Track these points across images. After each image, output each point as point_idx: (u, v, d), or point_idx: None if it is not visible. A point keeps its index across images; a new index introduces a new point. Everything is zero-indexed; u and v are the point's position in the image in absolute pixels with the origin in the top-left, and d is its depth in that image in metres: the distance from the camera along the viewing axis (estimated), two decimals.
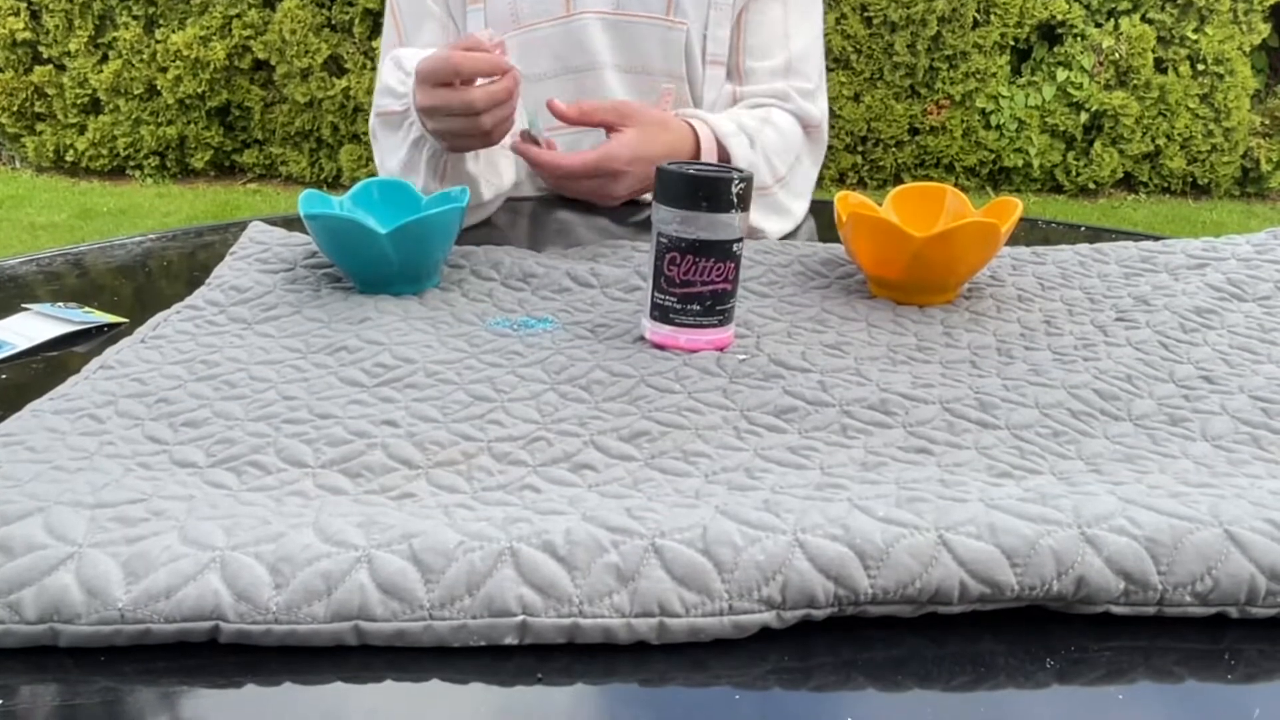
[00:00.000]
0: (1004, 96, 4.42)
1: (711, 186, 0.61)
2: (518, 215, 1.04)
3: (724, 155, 0.95)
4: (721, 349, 0.65)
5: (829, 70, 4.34)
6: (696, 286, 0.63)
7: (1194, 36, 4.32)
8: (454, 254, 0.81)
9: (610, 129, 0.92)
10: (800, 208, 1.03)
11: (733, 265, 0.63)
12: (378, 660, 0.39)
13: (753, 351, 0.64)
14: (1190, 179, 4.56)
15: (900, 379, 0.61)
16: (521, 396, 0.57)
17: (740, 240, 0.63)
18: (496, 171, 0.97)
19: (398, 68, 0.89)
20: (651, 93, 1.04)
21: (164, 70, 4.27)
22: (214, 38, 4.24)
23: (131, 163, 4.47)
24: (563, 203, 1.08)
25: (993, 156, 4.48)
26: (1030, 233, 1.05)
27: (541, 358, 0.62)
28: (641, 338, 0.66)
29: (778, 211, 1.00)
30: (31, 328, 0.69)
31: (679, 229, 0.62)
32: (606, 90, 1.03)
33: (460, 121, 0.81)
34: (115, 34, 4.27)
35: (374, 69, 4.02)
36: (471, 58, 0.78)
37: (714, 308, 0.64)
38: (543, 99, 0.96)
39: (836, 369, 0.62)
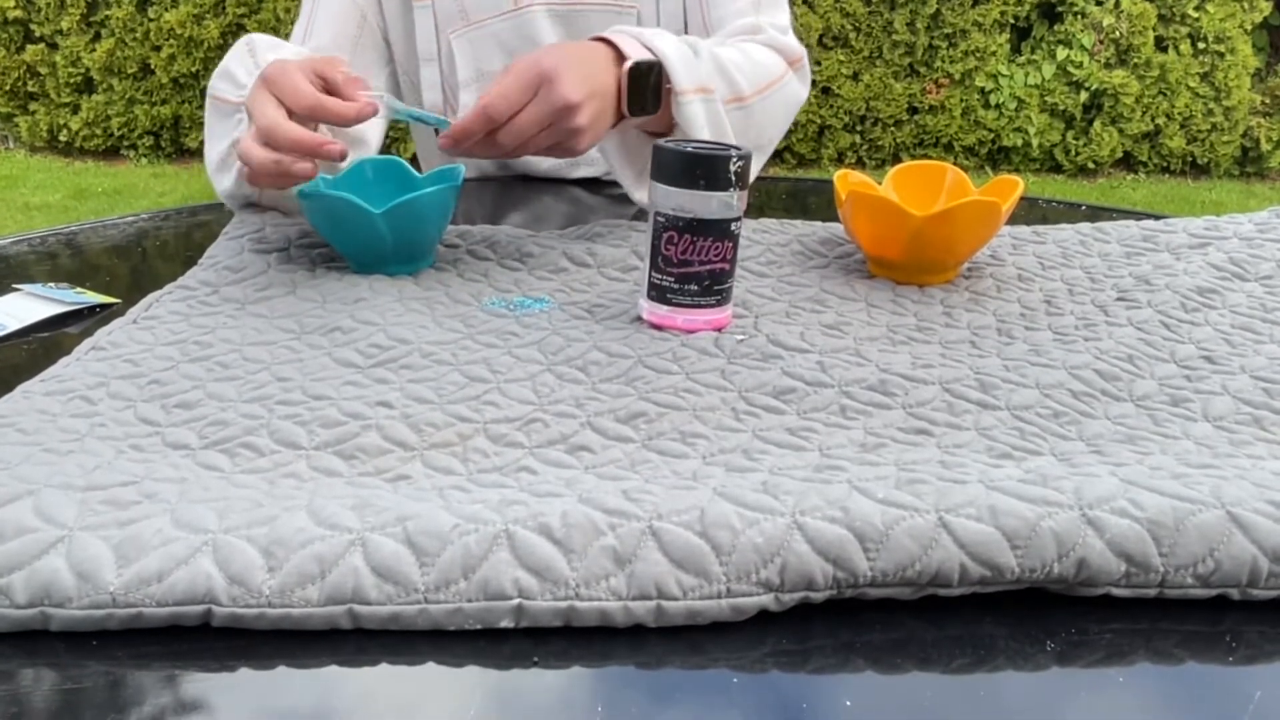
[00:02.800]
0: (1003, 75, 4.40)
1: (709, 164, 0.60)
2: (500, 197, 1.04)
3: (649, 51, 0.80)
4: (719, 329, 0.64)
5: (827, 49, 4.32)
6: (694, 266, 0.62)
7: (1195, 14, 4.30)
8: (449, 234, 0.80)
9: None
10: (760, 160, 0.92)
11: (731, 245, 0.63)
12: (372, 644, 0.38)
13: (751, 332, 0.64)
14: (1190, 158, 4.55)
15: (900, 359, 0.60)
16: (518, 377, 0.57)
17: (739, 219, 0.63)
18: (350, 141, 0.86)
19: (250, 54, 0.81)
20: None
21: (157, 49, 4.24)
22: (207, 15, 4.21)
23: (126, 142, 4.45)
24: (545, 182, 1.08)
25: (992, 136, 4.47)
26: (1030, 212, 1.04)
27: (538, 338, 0.62)
28: (639, 318, 0.66)
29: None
30: (23, 308, 0.69)
31: (676, 208, 0.61)
32: None
33: (271, 155, 0.68)
34: (107, 12, 4.24)
35: None
36: (336, 109, 0.69)
37: (712, 288, 0.63)
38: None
39: (835, 349, 0.61)
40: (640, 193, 0.88)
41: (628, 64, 0.77)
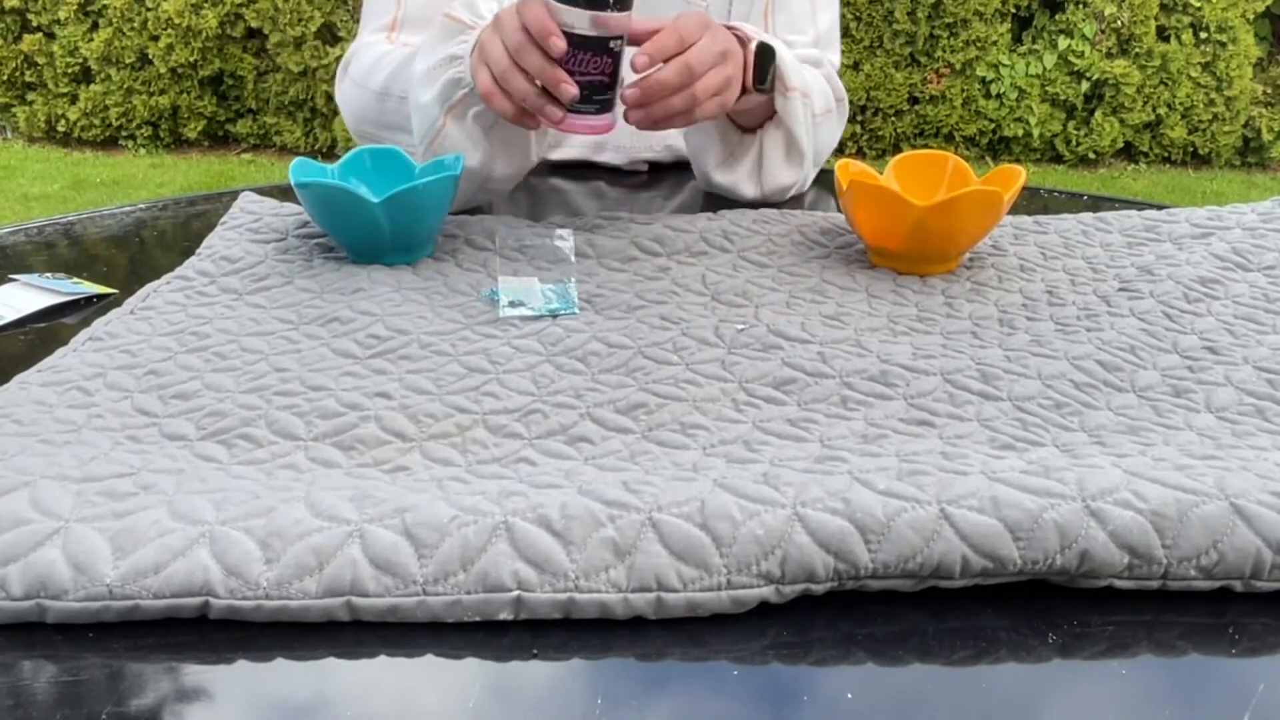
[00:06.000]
0: (1004, 65, 4.38)
1: None
2: (522, 189, 1.03)
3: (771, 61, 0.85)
4: (599, 134, 0.72)
5: None
6: (576, 77, 0.69)
7: (1197, 4, 4.28)
8: (448, 223, 0.80)
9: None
10: (812, 171, 1.00)
11: (610, 60, 0.70)
12: (371, 636, 0.38)
13: (751, 322, 0.64)
14: (1191, 149, 4.53)
15: (901, 350, 0.60)
16: (517, 368, 0.56)
17: (619, 38, 0.69)
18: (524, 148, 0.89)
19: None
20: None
21: (155, 39, 4.22)
22: (205, 5, 4.19)
23: (124, 133, 4.43)
24: (558, 170, 1.07)
25: (992, 126, 4.45)
26: (1032, 201, 1.04)
27: (537, 329, 0.61)
28: (636, 307, 0.65)
29: (799, 160, 0.96)
30: (19, 298, 0.68)
31: (562, 24, 0.67)
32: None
33: (511, 68, 0.72)
34: (105, 1, 4.22)
35: None
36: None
37: (591, 97, 0.71)
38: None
39: (836, 340, 0.61)
40: (720, 175, 0.93)
41: (755, 42, 0.82)
